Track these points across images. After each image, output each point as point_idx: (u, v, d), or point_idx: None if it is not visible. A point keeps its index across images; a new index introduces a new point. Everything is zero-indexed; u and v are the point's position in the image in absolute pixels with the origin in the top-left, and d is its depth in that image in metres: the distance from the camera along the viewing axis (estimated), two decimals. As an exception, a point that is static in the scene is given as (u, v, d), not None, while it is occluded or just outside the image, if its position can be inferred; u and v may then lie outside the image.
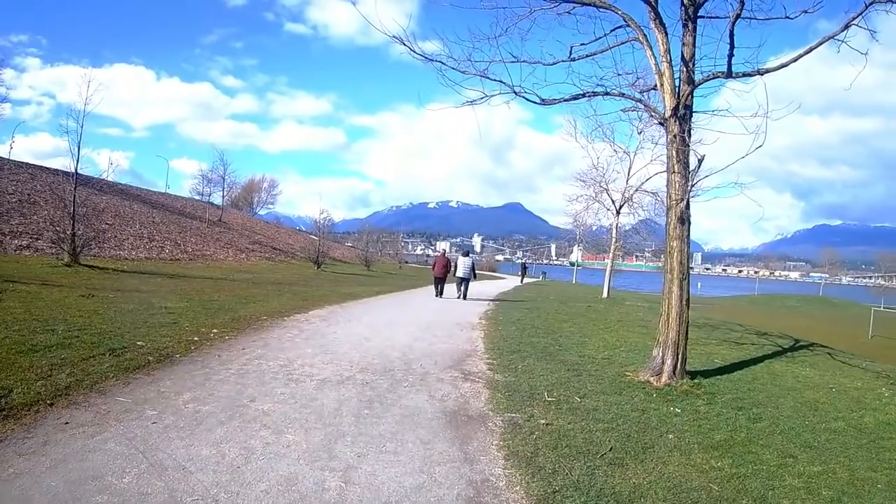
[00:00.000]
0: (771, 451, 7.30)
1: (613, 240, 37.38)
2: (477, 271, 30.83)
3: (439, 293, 28.32)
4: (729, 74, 10.12)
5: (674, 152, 10.50)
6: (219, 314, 15.28)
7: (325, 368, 10.03)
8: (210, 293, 20.97)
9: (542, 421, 7.73)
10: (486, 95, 11.15)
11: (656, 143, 32.72)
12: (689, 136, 10.49)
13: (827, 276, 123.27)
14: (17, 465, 5.31)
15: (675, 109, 10.38)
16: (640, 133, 31.80)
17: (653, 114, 11.12)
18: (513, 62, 10.86)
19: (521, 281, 61.46)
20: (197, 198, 72.61)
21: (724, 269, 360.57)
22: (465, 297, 27.74)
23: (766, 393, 10.57)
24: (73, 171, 28.25)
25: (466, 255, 29.24)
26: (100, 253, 33.24)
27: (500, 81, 10.82)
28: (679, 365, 10.51)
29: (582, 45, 11.12)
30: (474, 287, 31.11)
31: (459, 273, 28.04)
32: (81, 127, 27.63)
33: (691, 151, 10.33)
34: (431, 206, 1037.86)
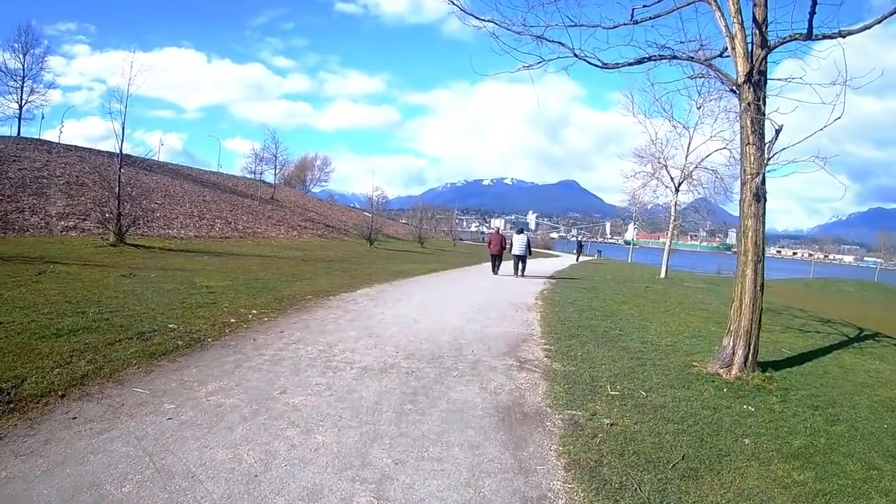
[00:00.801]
0: (854, 462, 6.34)
1: (672, 218, 36.34)
2: (532, 248, 30.36)
3: (496, 270, 28.11)
4: (809, 35, 9.14)
5: (748, 122, 9.50)
6: (261, 294, 14.78)
7: (367, 354, 9.23)
8: (256, 271, 20.67)
9: (607, 420, 6.82)
10: (544, 60, 10.41)
11: (716, 119, 32.17)
12: (765, 104, 9.49)
13: (882, 261, 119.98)
14: (11, 467, 4.67)
15: (749, 75, 9.39)
16: (699, 108, 31.77)
17: (724, 80, 10.06)
18: (571, 26, 10.08)
19: (577, 259, 60.76)
20: (249, 176, 72.93)
21: (778, 251, 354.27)
22: (522, 274, 27.51)
23: (840, 389, 9.57)
24: (118, 151, 28.74)
25: (521, 232, 28.89)
26: (148, 232, 33.78)
27: (560, 43, 10.04)
28: (751, 356, 9.58)
29: (644, 6, 10.15)
30: (530, 264, 30.32)
31: (515, 251, 27.83)
32: (125, 108, 28.31)
33: (767, 121, 9.27)
34: (486, 183, 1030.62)
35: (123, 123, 28.53)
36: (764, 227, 9.66)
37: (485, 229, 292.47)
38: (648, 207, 48.19)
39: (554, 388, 8.03)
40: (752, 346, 9.55)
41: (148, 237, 32.57)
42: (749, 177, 9.43)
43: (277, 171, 75.73)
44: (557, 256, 71.57)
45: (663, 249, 39.57)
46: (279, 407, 6.50)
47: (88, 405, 6.15)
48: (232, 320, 11.05)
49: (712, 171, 34.11)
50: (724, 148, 31.95)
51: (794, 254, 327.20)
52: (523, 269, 27.92)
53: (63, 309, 10.69)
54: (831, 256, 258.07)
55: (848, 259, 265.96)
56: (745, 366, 9.46)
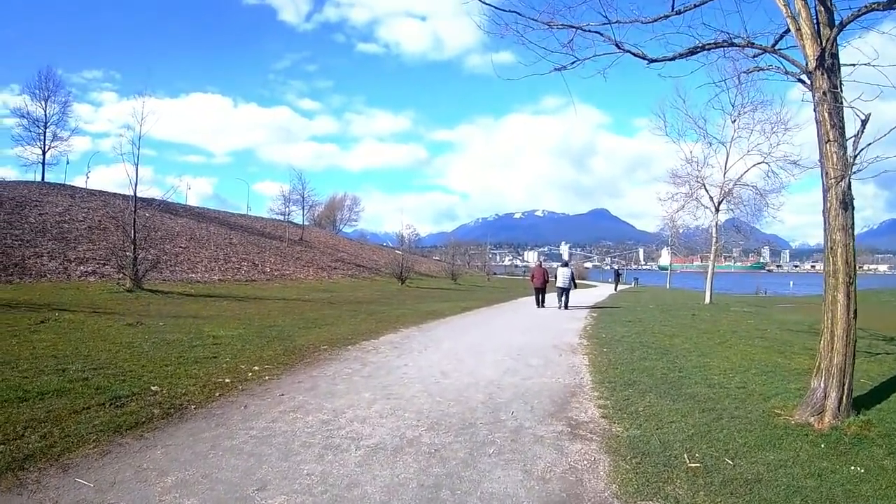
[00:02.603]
0: None
1: (714, 239, 35.13)
2: (576, 281, 31.51)
3: (540, 304, 28.71)
4: (891, 3, 7.55)
5: (826, 114, 7.90)
6: (272, 344, 13.46)
7: (380, 425, 7.47)
8: (274, 317, 19.49)
9: (693, 512, 5.10)
10: (578, 59, 8.98)
11: (752, 131, 31.66)
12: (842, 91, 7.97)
13: None
14: None
15: (821, 58, 7.86)
16: (734, 122, 31.84)
17: (788, 70, 8.42)
18: (605, 24, 8.62)
19: (615, 288, 58.93)
20: (278, 218, 72.72)
21: (812, 266, 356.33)
22: (566, 307, 27.48)
23: (948, 426, 7.90)
24: (133, 194, 28.19)
25: (566, 265, 30.59)
26: (170, 277, 33.27)
27: (598, 33, 8.54)
28: (845, 398, 7.89)
29: (687, -8, 8.61)
30: (571, 297, 29.40)
31: (560, 283, 28.32)
32: (138, 149, 28.04)
33: (849, 111, 7.70)
34: (517, 216, 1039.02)
35: (136, 165, 28.18)
36: (854, 240, 8.04)
37: (518, 262, 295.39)
38: (682, 230, 49.01)
39: (619, 466, 6.19)
40: (846, 387, 7.91)
41: (169, 282, 31.86)
42: (833, 180, 7.83)
43: (306, 211, 76.46)
44: (594, 286, 69.78)
45: (700, 273, 39.05)
46: (247, 516, 4.82)
47: (16, 499, 4.99)
48: (227, 380, 9.60)
49: (753, 186, 33.19)
50: (763, 162, 31.58)
51: None
52: (567, 301, 27.81)
53: (44, 365, 9.90)
54: (865, 267, 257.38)
55: (882, 268, 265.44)
56: (840, 410, 7.85)
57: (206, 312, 20.06)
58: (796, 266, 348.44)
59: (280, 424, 7.35)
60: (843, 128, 7.93)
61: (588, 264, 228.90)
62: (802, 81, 8.31)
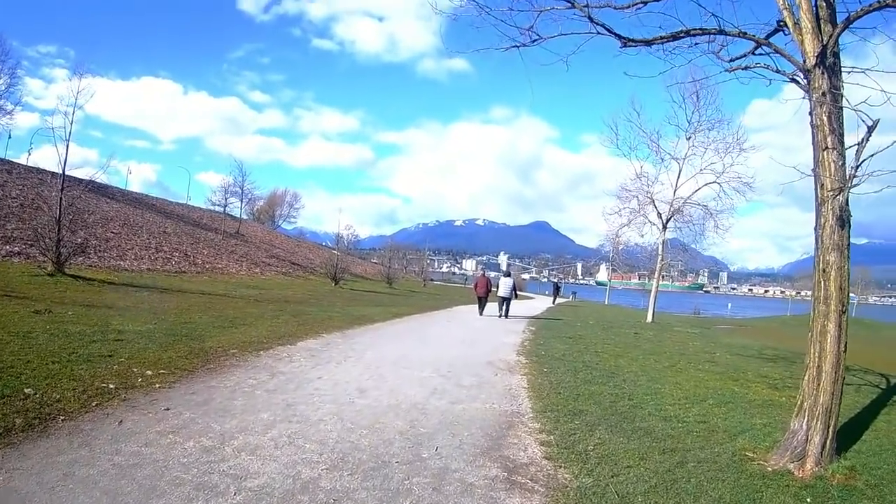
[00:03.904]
0: None
1: (659, 257, 34.50)
2: (517, 292, 33.35)
3: (481, 311, 29.46)
4: None
5: (824, 118, 6.94)
6: (178, 344, 12.05)
7: (273, 458, 6.09)
8: (193, 312, 18.05)
9: None
10: (541, 38, 7.96)
11: (706, 150, 31.80)
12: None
13: (856, 296, 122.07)
14: None
15: (822, 56, 6.93)
16: (688, 139, 31.88)
17: (787, 64, 7.41)
18: (568, 7, 7.63)
19: (554, 301, 58.37)
20: (217, 209, 70.93)
21: (750, 289, 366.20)
22: (506, 316, 28.60)
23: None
24: (61, 172, 26.17)
25: (508, 275, 31.72)
26: (98, 263, 31.46)
27: (570, 2, 7.27)
28: (829, 443, 6.95)
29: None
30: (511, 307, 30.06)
31: (501, 293, 29.23)
32: (71, 124, 25.97)
33: (851, 114, 6.77)
34: (458, 223, 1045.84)
35: (67, 142, 26.15)
36: (849, 262, 7.07)
37: (456, 270, 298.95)
38: (622, 248, 50.30)
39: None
40: (830, 429, 7.02)
41: (95, 269, 30.01)
42: (830, 193, 6.86)
43: (244, 205, 74.83)
44: (532, 298, 69.50)
45: (639, 290, 39.04)
46: None
47: None
48: (111, 386, 8.22)
49: (703, 206, 32.93)
50: (715, 182, 31.52)
51: (766, 291, 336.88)
52: (507, 310, 28.94)
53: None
54: (803, 293, 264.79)
55: None
56: (822, 456, 6.95)
57: (123, 303, 18.65)
58: (734, 289, 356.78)
59: (153, 450, 6.01)
60: (842, 134, 6.98)
61: (526, 276, 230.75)
62: (796, 81, 7.44)
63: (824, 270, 6.86)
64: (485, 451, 6.94)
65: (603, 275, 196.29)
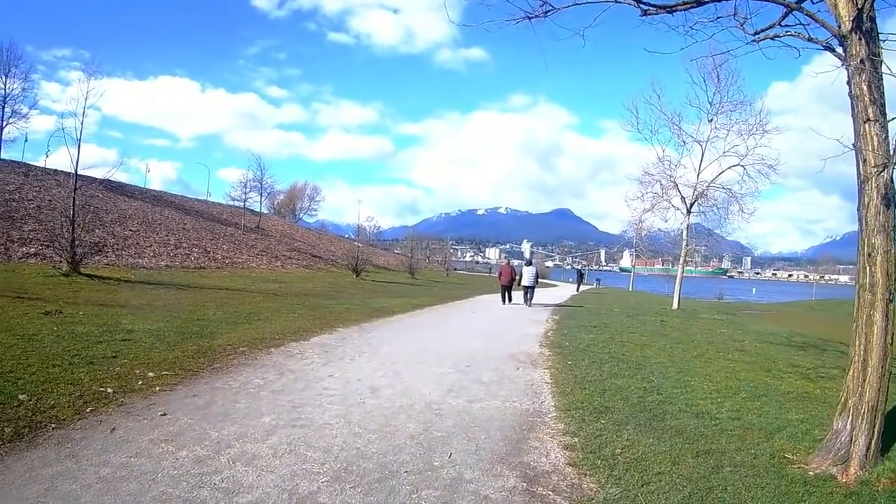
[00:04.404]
0: None
1: (684, 242, 33.75)
2: (539, 279, 33.48)
3: (506, 300, 29.62)
4: None
5: (864, 87, 6.33)
6: (187, 342, 11.75)
7: (271, 469, 5.58)
8: (207, 309, 17.71)
9: None
10: (554, 8, 7.46)
11: (729, 132, 31.03)
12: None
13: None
14: None
15: (858, 20, 6.31)
16: (710, 121, 31.04)
17: (821, 30, 6.81)
18: None
19: (577, 289, 57.33)
20: (237, 204, 71.29)
21: (773, 274, 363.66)
22: (530, 304, 28.79)
23: None
24: (73, 171, 26.11)
25: (530, 264, 32.28)
26: (116, 261, 31.53)
27: None
28: (874, 443, 6.35)
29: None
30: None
31: (525, 282, 29.55)
32: (82, 124, 25.93)
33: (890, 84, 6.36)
34: (480, 212, 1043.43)
35: (79, 141, 26.02)
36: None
37: (479, 259, 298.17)
38: (645, 234, 47.93)
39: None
40: (876, 429, 6.40)
41: (112, 267, 29.96)
42: (874, 169, 6.24)
43: (264, 199, 75.03)
44: (556, 286, 68.78)
45: (662, 276, 38.48)
46: None
47: None
48: (109, 390, 7.84)
49: (727, 189, 32.19)
50: (739, 165, 30.85)
51: (790, 276, 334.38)
52: (531, 298, 29.27)
53: None
54: (827, 277, 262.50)
55: (843, 279, 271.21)
56: (867, 458, 6.31)
57: (137, 301, 18.36)
58: (758, 273, 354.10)
59: (142, 461, 5.56)
60: (884, 104, 6.37)
61: (549, 263, 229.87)
62: (830, 49, 6.81)
63: (869, 255, 6.27)
64: (503, 457, 6.38)
65: (626, 261, 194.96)
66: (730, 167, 31.16)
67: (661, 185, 33.74)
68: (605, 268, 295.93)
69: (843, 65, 6.58)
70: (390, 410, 7.94)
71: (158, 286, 24.65)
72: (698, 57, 25.84)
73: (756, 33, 7.42)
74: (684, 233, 33.54)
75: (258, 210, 71.37)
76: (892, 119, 6.24)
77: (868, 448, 6.28)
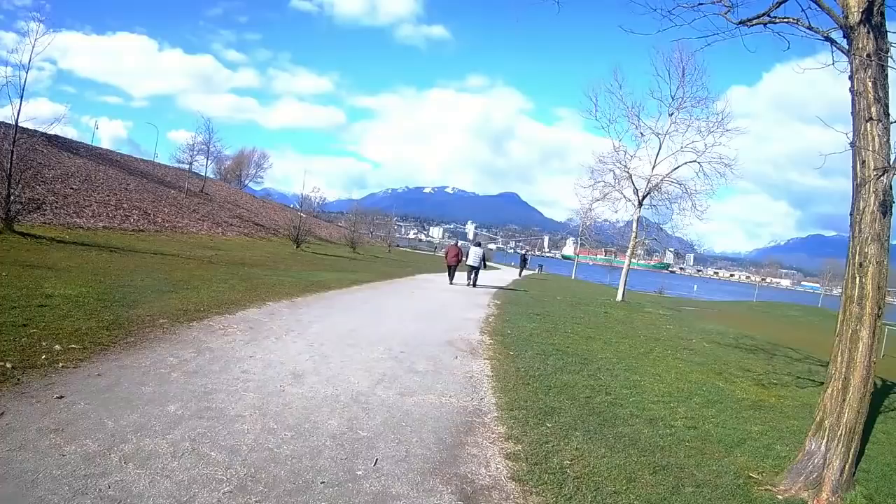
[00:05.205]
0: None
1: (633, 234, 33.58)
2: (486, 262, 33.89)
3: (451, 279, 30.40)
4: None
5: (869, 83, 5.97)
6: (105, 311, 10.81)
7: (165, 473, 4.79)
8: (136, 274, 16.87)
9: None
10: None
11: (689, 127, 30.89)
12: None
13: (819, 286, 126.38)
14: None
15: (868, 12, 6.03)
16: (671, 115, 30.79)
17: (826, 20, 6.38)
18: None
19: (520, 273, 57.98)
20: (183, 167, 69.44)
21: (715, 272, 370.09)
22: (474, 285, 29.71)
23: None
24: (14, 123, 24.71)
25: (478, 245, 32.62)
26: (53, 220, 30.12)
27: None
28: (848, 468, 6.05)
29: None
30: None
31: (470, 261, 30.25)
32: (27, 74, 24.81)
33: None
34: (427, 190, 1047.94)
35: (22, 93, 24.78)
36: (889, 257, 6.02)
37: (423, 237, 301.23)
38: (591, 223, 50.35)
39: None
40: (852, 453, 6.10)
41: (49, 226, 28.56)
42: (874, 172, 5.80)
43: (210, 163, 75.05)
44: (498, 269, 68.42)
45: (605, 266, 39.05)
46: None
47: None
48: (8, 365, 6.88)
49: (682, 184, 32.07)
50: (695, 161, 30.74)
51: (732, 275, 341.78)
52: (476, 279, 30.04)
53: None
54: (768, 280, 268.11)
55: (785, 283, 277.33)
56: (841, 483, 6.01)
57: (66, 263, 17.33)
58: (700, 271, 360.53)
59: (25, 456, 4.75)
60: (888, 105, 5.98)
61: (493, 246, 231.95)
62: (832, 41, 6.45)
63: (861, 265, 5.82)
64: (437, 466, 5.67)
65: (569, 249, 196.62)
66: (686, 163, 31.19)
67: (614, 174, 33.58)
68: (548, 254, 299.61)
69: (844, 59, 6.18)
70: (312, 402, 7.18)
71: (93, 248, 23.76)
72: (679, 38, 25.65)
73: (741, 23, 7.09)
74: (634, 224, 33.36)
75: (204, 174, 70.42)
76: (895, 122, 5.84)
77: (842, 472, 5.96)
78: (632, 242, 33.68)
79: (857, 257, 5.93)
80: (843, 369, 5.96)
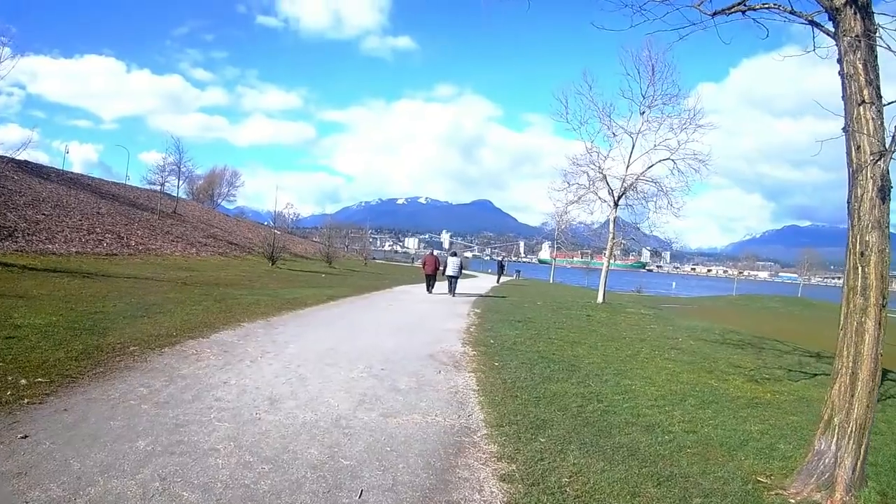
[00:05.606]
0: None
1: (611, 235, 33.60)
2: (463, 271, 34.42)
3: (430, 290, 31.12)
4: None
5: (859, 65, 5.77)
6: (75, 340, 10.49)
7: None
8: (109, 300, 16.45)
9: None
10: None
11: (660, 125, 31.23)
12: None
13: (797, 276, 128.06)
14: None
15: None
16: (642, 114, 31.15)
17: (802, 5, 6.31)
18: None
19: (498, 280, 57.61)
20: (155, 188, 69.04)
21: (692, 269, 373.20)
22: (454, 294, 30.11)
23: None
24: None
25: (455, 255, 33.07)
26: (25, 247, 30.08)
27: None
28: (860, 465, 5.81)
29: None
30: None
31: (449, 271, 30.81)
32: None
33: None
34: (401, 202, 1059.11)
35: None
36: (889, 245, 5.76)
37: (398, 248, 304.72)
38: (566, 226, 50.42)
39: None
40: (863, 449, 5.86)
41: (20, 254, 28.45)
42: (869, 157, 5.58)
43: (182, 183, 74.29)
44: (475, 277, 68.35)
45: (582, 268, 39.61)
46: None
47: None
48: None
49: (657, 183, 32.44)
50: (669, 159, 31.11)
51: (709, 271, 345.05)
52: (455, 287, 30.57)
53: None
54: (746, 273, 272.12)
55: (763, 275, 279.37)
56: (853, 481, 5.77)
57: (37, 291, 17.01)
58: (676, 268, 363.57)
59: (-22, 509, 4.34)
60: (879, 87, 5.76)
61: (468, 254, 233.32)
62: (816, 24, 6.29)
63: (862, 254, 5.57)
64: (427, 494, 5.29)
65: (545, 253, 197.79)
66: (660, 161, 31.35)
67: (588, 176, 33.70)
68: (525, 259, 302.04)
69: (824, 45, 6.00)
70: (290, 429, 6.78)
71: (65, 274, 23.32)
72: (653, 31, 25.66)
73: (717, 13, 6.93)
74: (611, 225, 33.36)
75: (176, 195, 69.93)
76: (891, 103, 5.61)
77: (854, 471, 5.75)
78: (610, 243, 33.66)
79: (858, 246, 5.70)
80: (850, 363, 5.72)
